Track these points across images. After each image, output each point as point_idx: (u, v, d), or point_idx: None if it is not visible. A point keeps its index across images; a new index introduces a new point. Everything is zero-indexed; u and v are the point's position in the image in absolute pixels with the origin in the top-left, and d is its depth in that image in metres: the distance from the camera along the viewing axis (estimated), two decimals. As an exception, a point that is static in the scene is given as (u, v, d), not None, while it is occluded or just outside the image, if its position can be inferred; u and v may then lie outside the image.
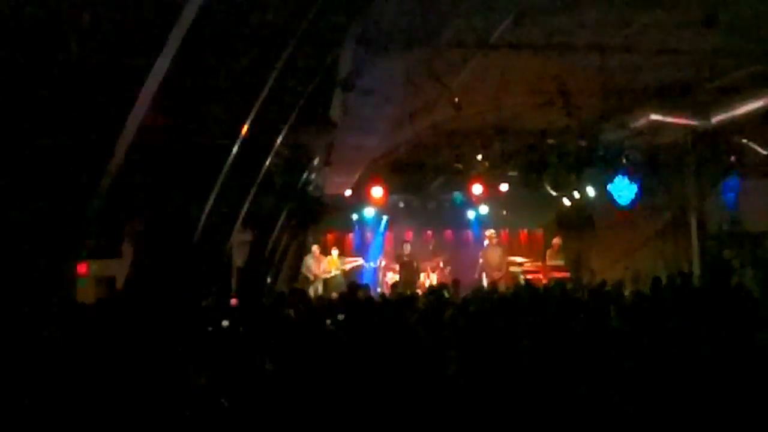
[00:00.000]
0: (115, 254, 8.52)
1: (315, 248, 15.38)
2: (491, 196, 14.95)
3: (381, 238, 17.43)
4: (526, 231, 18.21)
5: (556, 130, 11.87)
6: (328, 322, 6.62)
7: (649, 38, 8.43)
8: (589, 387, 3.96)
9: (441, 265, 16.55)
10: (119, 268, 7.86)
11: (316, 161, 11.25)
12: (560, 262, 15.75)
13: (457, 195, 16.24)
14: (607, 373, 4.25)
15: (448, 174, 14.88)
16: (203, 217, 6.31)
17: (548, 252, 15.98)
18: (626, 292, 9.79)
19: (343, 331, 6.11)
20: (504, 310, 6.97)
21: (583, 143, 11.67)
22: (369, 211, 16.78)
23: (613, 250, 16.14)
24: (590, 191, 13.50)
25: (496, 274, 15.47)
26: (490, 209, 16.62)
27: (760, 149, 12.14)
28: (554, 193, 13.76)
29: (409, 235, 16.88)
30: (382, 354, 4.57)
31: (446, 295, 9.69)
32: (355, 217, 17.12)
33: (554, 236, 16.20)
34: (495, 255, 15.89)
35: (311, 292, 13.78)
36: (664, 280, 9.99)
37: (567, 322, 5.86)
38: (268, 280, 12.29)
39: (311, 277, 14.93)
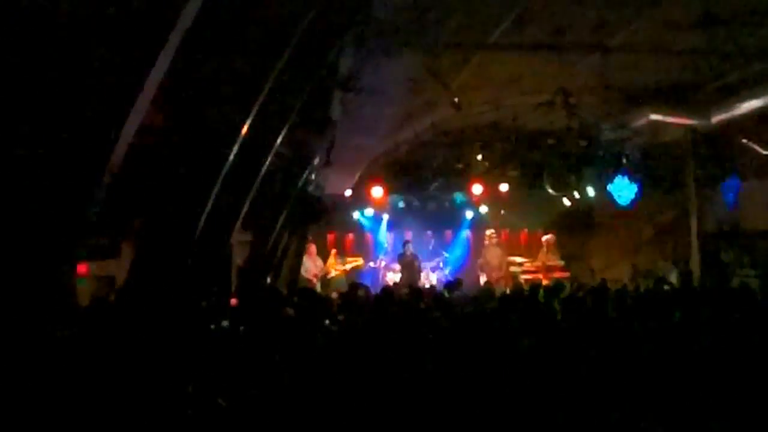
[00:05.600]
0: (115, 254, 8.50)
1: (311, 247, 15.32)
2: (491, 196, 14.95)
3: (381, 238, 17.42)
4: (526, 231, 18.19)
5: (556, 130, 11.88)
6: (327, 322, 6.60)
7: (649, 38, 8.43)
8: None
9: (441, 265, 16.55)
10: (119, 268, 7.84)
11: (316, 161, 11.24)
12: (560, 262, 15.69)
13: (457, 195, 16.24)
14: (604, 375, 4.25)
15: (448, 174, 14.88)
16: (203, 217, 6.29)
17: (541, 250, 15.84)
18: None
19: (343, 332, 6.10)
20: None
21: (583, 143, 11.67)
22: (369, 211, 16.77)
23: (613, 250, 16.13)
24: (590, 191, 13.49)
25: (496, 274, 15.45)
26: (490, 209, 16.61)
27: (760, 149, 12.13)
28: (554, 193, 13.75)
29: (409, 235, 16.86)
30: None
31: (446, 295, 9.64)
32: (355, 216, 17.11)
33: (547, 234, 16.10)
34: (495, 255, 15.87)
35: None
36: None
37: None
38: (268, 280, 12.26)
39: (312, 279, 14.86)
